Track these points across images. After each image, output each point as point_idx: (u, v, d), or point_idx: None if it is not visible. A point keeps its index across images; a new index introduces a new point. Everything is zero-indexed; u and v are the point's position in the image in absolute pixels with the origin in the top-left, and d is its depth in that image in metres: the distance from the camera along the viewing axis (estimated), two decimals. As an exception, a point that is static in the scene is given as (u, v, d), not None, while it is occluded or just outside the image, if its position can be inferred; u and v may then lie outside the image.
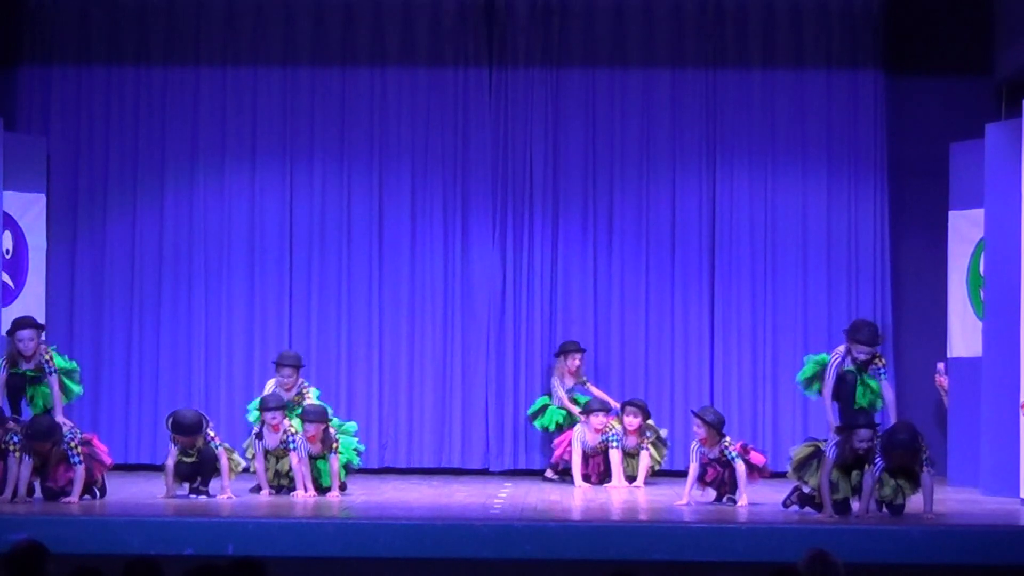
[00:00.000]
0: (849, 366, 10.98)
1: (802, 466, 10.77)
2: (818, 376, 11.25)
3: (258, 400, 12.27)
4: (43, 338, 11.57)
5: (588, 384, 13.57)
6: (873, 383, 11.07)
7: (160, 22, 14.10)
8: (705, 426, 11.23)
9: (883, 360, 11.13)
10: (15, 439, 10.87)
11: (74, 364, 11.81)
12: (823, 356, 11.32)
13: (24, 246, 13.44)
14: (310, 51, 14.14)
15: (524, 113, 14.11)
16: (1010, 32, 12.89)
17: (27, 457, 10.84)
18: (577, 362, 13.51)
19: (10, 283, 12.93)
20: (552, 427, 13.47)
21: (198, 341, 14.03)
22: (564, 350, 13.58)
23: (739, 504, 11.07)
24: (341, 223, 14.11)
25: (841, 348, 11.06)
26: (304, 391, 12.37)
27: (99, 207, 14.09)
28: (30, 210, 13.55)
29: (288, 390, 12.30)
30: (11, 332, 11.38)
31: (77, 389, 11.75)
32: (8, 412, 11.25)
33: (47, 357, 11.36)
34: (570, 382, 13.53)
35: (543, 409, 13.59)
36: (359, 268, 14.09)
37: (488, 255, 14.09)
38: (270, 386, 12.45)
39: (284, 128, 14.15)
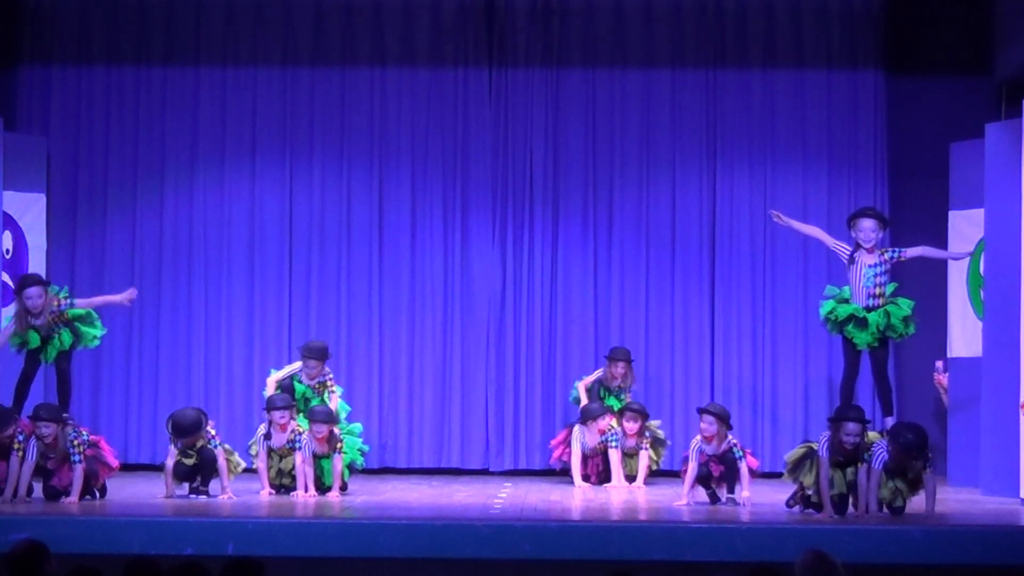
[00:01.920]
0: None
1: (796, 467, 10.76)
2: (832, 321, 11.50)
3: (280, 370, 12.45)
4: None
5: (627, 395, 13.21)
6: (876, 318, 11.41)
7: (160, 22, 14.11)
8: (717, 421, 11.18)
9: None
10: (20, 438, 10.89)
11: (90, 311, 11.91)
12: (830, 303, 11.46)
13: (24, 246, 13.44)
14: (310, 51, 14.14)
15: (524, 113, 14.11)
16: (1010, 32, 12.88)
17: (29, 457, 10.84)
18: (621, 369, 13.11)
19: (10, 283, 12.91)
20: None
21: (198, 341, 14.04)
22: (610, 357, 13.25)
23: (743, 497, 11.05)
24: (341, 223, 14.12)
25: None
26: (329, 384, 12.36)
27: (99, 207, 14.10)
28: (30, 210, 13.55)
29: (312, 378, 12.32)
30: (19, 291, 11.63)
31: (94, 333, 11.82)
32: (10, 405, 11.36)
33: (55, 303, 11.60)
34: (618, 383, 13.19)
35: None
36: (359, 268, 14.10)
37: (488, 255, 14.08)
38: (291, 369, 12.48)
39: (284, 128, 14.15)
